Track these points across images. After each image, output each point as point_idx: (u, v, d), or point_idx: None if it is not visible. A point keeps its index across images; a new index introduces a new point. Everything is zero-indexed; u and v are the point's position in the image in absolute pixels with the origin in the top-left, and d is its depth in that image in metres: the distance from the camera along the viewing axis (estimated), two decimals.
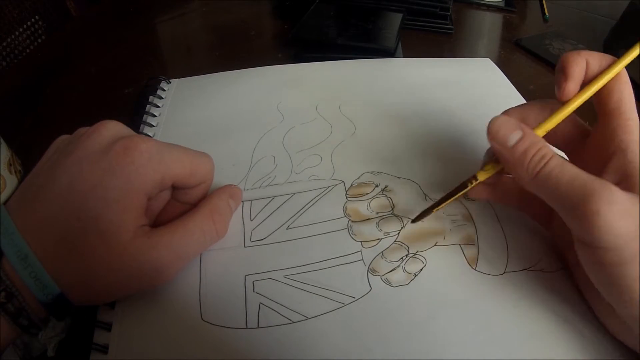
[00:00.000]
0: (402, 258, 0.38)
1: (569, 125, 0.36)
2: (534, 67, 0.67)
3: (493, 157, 0.36)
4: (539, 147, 0.32)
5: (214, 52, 0.74)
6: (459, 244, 0.39)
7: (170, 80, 0.61)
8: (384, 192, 0.43)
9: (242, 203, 0.43)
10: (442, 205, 0.38)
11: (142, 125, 0.53)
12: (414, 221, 0.39)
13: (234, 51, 0.73)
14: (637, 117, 0.32)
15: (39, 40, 0.72)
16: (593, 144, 0.34)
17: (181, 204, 0.39)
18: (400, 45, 0.65)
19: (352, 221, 0.41)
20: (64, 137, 0.37)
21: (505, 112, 0.37)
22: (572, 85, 0.34)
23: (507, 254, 0.39)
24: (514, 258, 0.38)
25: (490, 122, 0.34)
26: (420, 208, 0.40)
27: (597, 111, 0.34)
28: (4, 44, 0.67)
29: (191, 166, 0.37)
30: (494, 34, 0.79)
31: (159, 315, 0.36)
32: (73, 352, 0.36)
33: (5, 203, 0.34)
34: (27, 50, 0.70)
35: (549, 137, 0.35)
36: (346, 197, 0.43)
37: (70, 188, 0.33)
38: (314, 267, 0.38)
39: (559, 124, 0.35)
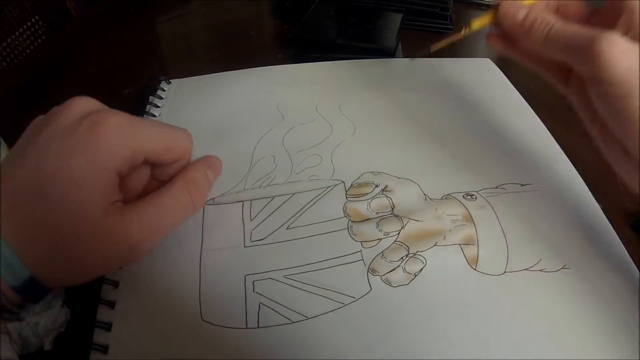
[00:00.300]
0: (402, 258, 0.38)
1: (578, 4, 0.40)
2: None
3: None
4: (543, 16, 0.37)
5: (214, 52, 0.74)
6: (459, 244, 0.39)
7: (170, 80, 0.61)
8: (384, 192, 0.43)
9: (242, 203, 0.43)
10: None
11: None
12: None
13: (234, 51, 0.73)
14: None
15: (39, 41, 0.72)
16: (603, 19, 0.37)
17: (159, 182, 0.38)
18: (400, 45, 0.65)
19: (352, 221, 0.41)
20: (40, 117, 0.36)
21: None
22: None
23: (507, 254, 0.39)
24: (514, 258, 0.38)
25: (500, 6, 0.39)
26: (420, 208, 0.41)
27: None
28: (4, 44, 0.67)
29: (166, 142, 0.37)
30: None
31: (159, 315, 0.36)
32: (71, 350, 0.36)
33: None
34: (27, 51, 0.71)
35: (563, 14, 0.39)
36: (346, 197, 0.43)
37: (37, 168, 0.32)
38: (314, 267, 0.38)
39: (568, 5, 0.39)
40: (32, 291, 0.33)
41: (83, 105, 0.35)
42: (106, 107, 0.36)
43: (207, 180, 0.39)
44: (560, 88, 0.40)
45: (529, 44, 0.38)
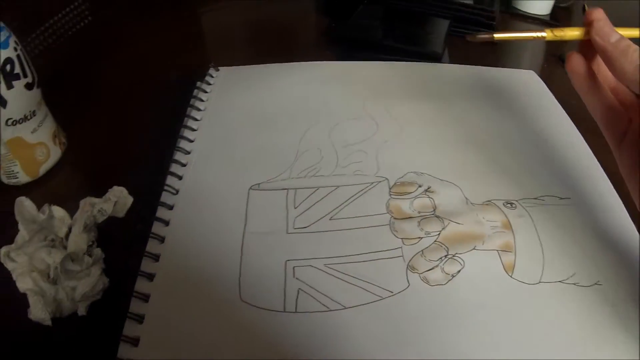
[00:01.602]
0: (441, 258, 0.39)
1: None
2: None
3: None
4: (636, 46, 0.35)
5: (259, 45, 0.75)
6: (497, 250, 0.40)
7: (219, 68, 0.62)
8: (427, 193, 0.44)
9: (287, 191, 0.44)
10: (505, 36, 0.41)
11: (189, 109, 0.54)
12: (471, 38, 0.41)
13: (280, 45, 0.74)
14: None
15: (85, 21, 0.73)
16: None
17: None
18: (446, 51, 0.66)
19: (394, 218, 0.42)
20: None
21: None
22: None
23: (543, 265, 0.39)
24: (550, 269, 0.39)
25: (594, 22, 0.37)
26: (461, 212, 0.41)
27: None
28: (51, 21, 0.68)
29: None
30: (538, 47, 0.79)
31: (197, 291, 0.37)
32: (105, 318, 0.36)
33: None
34: (73, 30, 0.72)
35: None
36: (389, 195, 0.44)
37: None
38: (355, 259, 0.39)
39: None
40: None
41: None
42: None
43: None
44: (612, 142, 0.38)
45: (615, 70, 0.35)
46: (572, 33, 0.39)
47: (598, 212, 0.44)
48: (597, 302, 0.37)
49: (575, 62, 0.39)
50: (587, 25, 0.37)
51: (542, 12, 0.84)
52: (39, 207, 0.40)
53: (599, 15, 0.37)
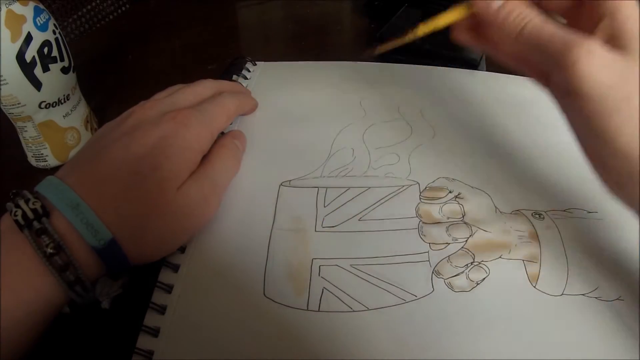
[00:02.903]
0: (467, 265, 0.40)
1: None
2: None
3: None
4: (521, 9, 0.34)
5: (296, 43, 0.75)
6: (523, 260, 0.40)
7: (256, 62, 0.63)
8: (457, 199, 0.45)
9: (317, 189, 0.45)
10: (388, 46, 0.45)
11: None
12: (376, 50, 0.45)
13: (317, 44, 0.74)
14: None
15: (123, 9, 0.74)
16: (586, 11, 0.34)
17: None
18: (484, 58, 0.66)
19: (423, 222, 0.43)
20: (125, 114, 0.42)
21: None
22: None
23: (567, 277, 0.39)
24: (573, 282, 0.39)
25: None
26: (490, 220, 0.42)
27: None
28: (89, 7, 0.69)
29: (233, 117, 0.48)
30: None
31: (221, 284, 0.38)
32: (128, 309, 0.37)
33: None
34: (110, 17, 0.73)
35: (545, 6, 0.36)
36: (420, 199, 0.45)
37: (126, 151, 0.36)
38: (382, 261, 0.40)
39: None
40: (114, 256, 0.34)
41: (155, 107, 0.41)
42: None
43: (234, 145, 0.45)
44: (542, 87, 0.39)
45: (500, 38, 0.36)
46: (448, 17, 0.39)
47: (624, 227, 0.44)
48: (618, 317, 0.37)
49: (460, 36, 0.41)
50: None
51: None
52: None
53: None
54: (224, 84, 0.51)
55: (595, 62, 0.30)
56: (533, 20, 0.33)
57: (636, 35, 0.31)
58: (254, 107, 0.54)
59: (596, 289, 0.39)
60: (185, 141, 0.38)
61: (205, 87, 0.47)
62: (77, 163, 0.37)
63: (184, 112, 0.40)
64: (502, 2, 0.35)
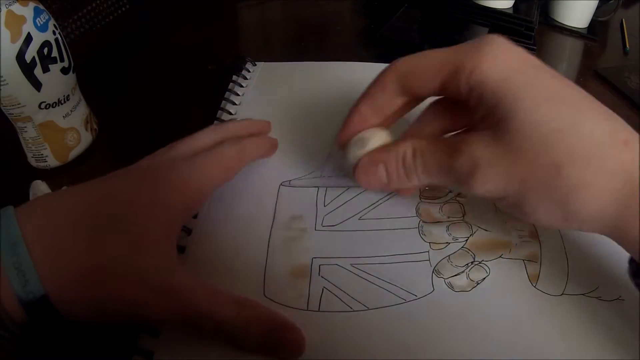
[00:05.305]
0: (467, 264, 0.40)
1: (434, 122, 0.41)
2: (610, 98, 0.66)
3: None
4: (401, 161, 0.36)
5: (297, 43, 0.75)
6: (523, 260, 0.40)
7: (256, 62, 0.63)
8: (457, 199, 0.45)
9: (317, 188, 0.45)
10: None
11: (224, 102, 0.55)
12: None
13: (318, 44, 0.74)
14: None
15: (123, 9, 0.74)
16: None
17: None
18: None
19: (424, 222, 0.43)
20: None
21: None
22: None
23: (567, 277, 0.39)
24: (573, 281, 0.39)
25: (357, 179, 0.39)
26: (490, 219, 0.42)
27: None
28: (89, 7, 0.69)
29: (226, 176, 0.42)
30: (574, 60, 0.79)
31: (221, 282, 0.37)
32: None
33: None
34: (110, 17, 0.73)
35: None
36: (420, 198, 0.45)
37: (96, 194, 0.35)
38: (382, 260, 0.40)
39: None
40: (40, 312, 0.30)
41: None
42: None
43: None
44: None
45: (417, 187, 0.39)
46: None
47: None
48: (618, 317, 0.37)
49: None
50: None
51: (580, 24, 0.84)
52: None
53: (361, 177, 0.39)
54: (229, 129, 0.45)
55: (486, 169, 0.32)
56: (417, 162, 0.36)
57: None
58: (268, 149, 0.48)
59: (596, 289, 0.39)
60: (164, 198, 0.36)
61: (204, 136, 0.43)
62: (53, 202, 0.34)
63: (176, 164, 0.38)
64: (383, 171, 0.37)
